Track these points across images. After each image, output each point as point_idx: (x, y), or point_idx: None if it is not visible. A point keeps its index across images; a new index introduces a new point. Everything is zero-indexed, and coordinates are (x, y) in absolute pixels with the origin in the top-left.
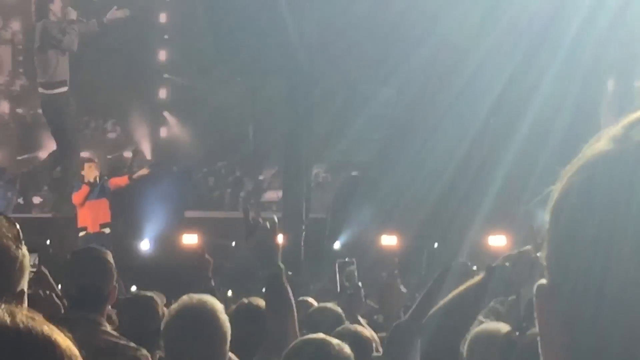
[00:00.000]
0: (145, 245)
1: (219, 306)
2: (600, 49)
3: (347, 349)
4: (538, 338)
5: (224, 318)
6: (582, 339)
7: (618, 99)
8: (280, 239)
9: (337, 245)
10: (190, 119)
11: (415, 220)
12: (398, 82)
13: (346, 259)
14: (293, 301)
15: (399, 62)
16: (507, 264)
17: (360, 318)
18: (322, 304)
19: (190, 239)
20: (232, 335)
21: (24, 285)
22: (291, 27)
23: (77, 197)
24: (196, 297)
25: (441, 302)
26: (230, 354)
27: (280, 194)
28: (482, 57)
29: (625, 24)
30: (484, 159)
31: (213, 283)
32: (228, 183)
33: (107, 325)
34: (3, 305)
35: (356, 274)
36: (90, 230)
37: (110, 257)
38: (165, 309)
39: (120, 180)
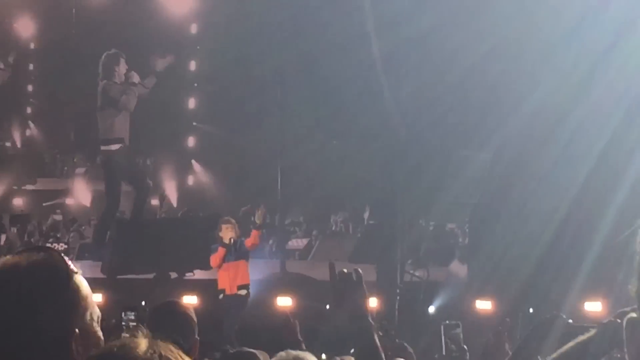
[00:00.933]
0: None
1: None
2: None
3: None
4: None
5: None
6: None
7: None
8: (372, 301)
9: (431, 309)
10: (217, 166)
11: (511, 284)
12: (494, 146)
13: (453, 322)
14: (383, 356)
15: (495, 126)
16: (619, 320)
17: None
18: None
19: (284, 302)
20: None
21: (77, 324)
22: (387, 92)
23: (214, 259)
24: (293, 353)
25: (552, 356)
26: None
27: (304, 242)
28: (580, 119)
29: None
30: (582, 223)
31: (304, 347)
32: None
33: None
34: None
35: (461, 336)
36: (228, 292)
37: (191, 311)
38: None
39: (254, 239)
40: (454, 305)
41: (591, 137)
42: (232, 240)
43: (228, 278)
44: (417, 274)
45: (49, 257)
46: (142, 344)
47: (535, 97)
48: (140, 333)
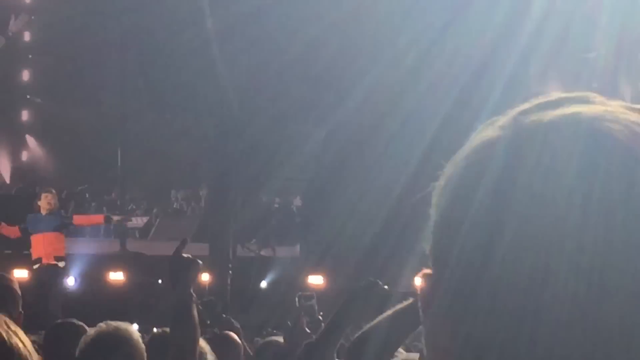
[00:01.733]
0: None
1: (135, 334)
2: None
3: None
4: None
5: (140, 346)
6: (464, 329)
7: None
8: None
9: (263, 284)
10: (54, 141)
11: (346, 261)
12: (330, 123)
13: (307, 293)
14: (199, 330)
15: (332, 103)
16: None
17: None
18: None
19: (116, 276)
20: None
21: None
22: (221, 67)
23: (12, 231)
24: (113, 323)
25: (367, 326)
26: None
27: (144, 220)
28: (416, 98)
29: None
30: (417, 203)
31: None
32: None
33: None
34: None
35: (316, 307)
36: (45, 261)
37: (15, 284)
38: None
39: (93, 220)
40: (287, 280)
41: (426, 117)
42: (49, 210)
43: (44, 247)
44: (262, 252)
45: None
46: None
47: (372, 76)
48: None
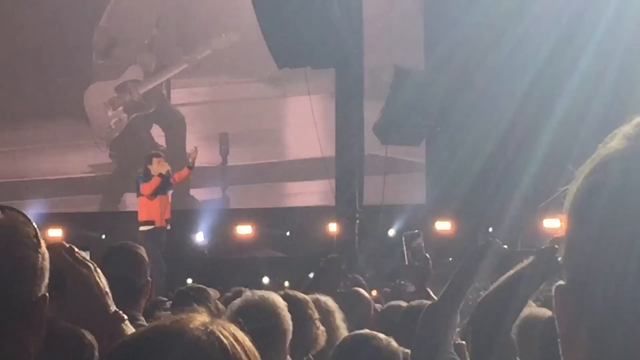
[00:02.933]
0: (200, 238)
1: (280, 302)
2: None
3: (394, 343)
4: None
5: (286, 315)
6: (600, 342)
7: None
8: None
9: (391, 232)
10: None
11: (468, 204)
12: (443, 64)
13: (415, 231)
14: None
15: (444, 45)
16: (556, 246)
17: (429, 290)
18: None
19: (244, 230)
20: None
21: (45, 289)
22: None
23: (147, 188)
24: (258, 293)
25: (492, 287)
26: None
27: None
28: (521, 32)
29: None
30: (524, 138)
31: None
32: None
33: (143, 319)
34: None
35: (423, 245)
36: (158, 224)
37: (143, 252)
38: (219, 302)
39: (184, 173)
40: (414, 227)
41: (531, 49)
42: (168, 172)
43: (159, 210)
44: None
45: (13, 217)
46: (197, 319)
47: (476, 9)
48: (200, 310)
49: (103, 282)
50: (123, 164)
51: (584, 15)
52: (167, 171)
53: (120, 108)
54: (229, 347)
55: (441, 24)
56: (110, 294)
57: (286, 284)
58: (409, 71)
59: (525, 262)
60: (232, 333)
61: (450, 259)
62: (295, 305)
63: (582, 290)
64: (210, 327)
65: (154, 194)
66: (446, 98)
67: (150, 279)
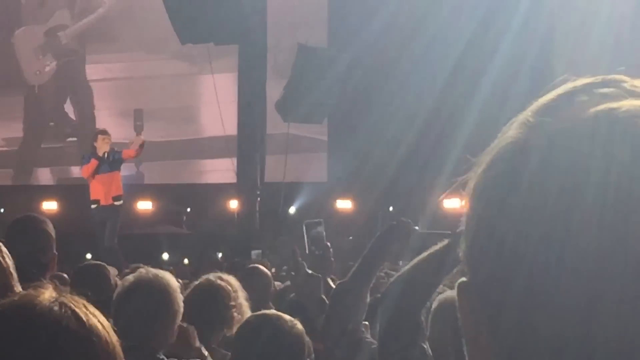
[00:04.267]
0: None
1: (173, 283)
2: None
3: (299, 325)
4: None
5: (177, 296)
6: (503, 339)
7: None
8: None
9: (292, 209)
10: None
11: (371, 184)
12: (355, 46)
13: (317, 220)
14: None
15: (354, 26)
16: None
17: (329, 280)
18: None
19: (143, 206)
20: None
21: None
22: None
23: (86, 170)
24: (153, 271)
25: (404, 269)
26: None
27: None
28: (439, 21)
29: None
30: (445, 124)
31: None
32: None
33: None
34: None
35: (324, 234)
36: (103, 202)
37: (49, 225)
38: (118, 279)
39: (132, 153)
40: (315, 204)
41: (449, 40)
42: (105, 153)
43: (103, 189)
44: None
45: None
46: (46, 294)
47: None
48: (44, 284)
49: (7, 261)
50: (32, 137)
51: (503, 2)
52: (105, 153)
53: (49, 54)
54: (82, 316)
55: (345, 2)
56: (14, 275)
57: (185, 261)
58: (312, 49)
59: (440, 244)
60: (83, 304)
61: (350, 237)
62: (209, 286)
63: (481, 287)
64: (61, 299)
65: (93, 175)
66: (348, 77)
67: (56, 253)
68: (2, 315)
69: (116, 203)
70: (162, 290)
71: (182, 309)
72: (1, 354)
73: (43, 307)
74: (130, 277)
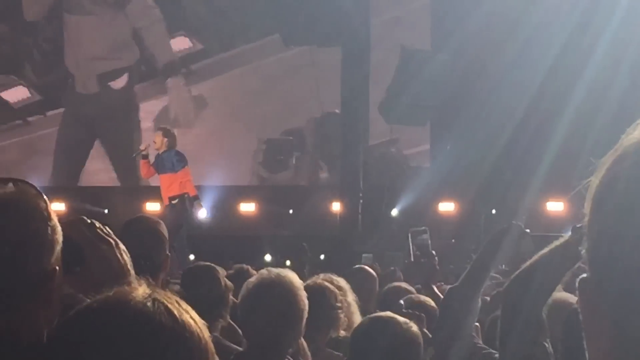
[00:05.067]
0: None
1: (297, 281)
2: None
3: (414, 328)
4: None
5: (302, 294)
6: (627, 334)
7: None
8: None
9: (394, 212)
10: None
11: (472, 186)
12: (453, 48)
13: (422, 227)
14: None
15: (454, 28)
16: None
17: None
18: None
19: (248, 207)
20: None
21: (55, 261)
22: None
23: (141, 170)
24: (275, 271)
25: (524, 265)
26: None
27: None
28: (538, 20)
29: None
30: (541, 124)
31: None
32: None
33: None
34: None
35: (429, 242)
36: (166, 202)
37: (162, 227)
38: (226, 280)
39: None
40: (417, 207)
41: (548, 38)
42: (158, 153)
43: (161, 190)
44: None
45: (24, 190)
46: (139, 290)
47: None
48: (137, 280)
49: (125, 258)
50: None
51: (600, 3)
52: (144, 149)
53: None
54: (175, 312)
55: (449, 5)
56: (132, 272)
57: (287, 262)
58: (416, 52)
59: (556, 243)
60: (176, 300)
61: (453, 240)
62: (316, 288)
63: (606, 283)
64: (154, 295)
65: (148, 175)
66: (452, 80)
67: (169, 254)
68: (97, 311)
69: (173, 202)
70: (287, 290)
71: (307, 307)
72: (95, 350)
73: (137, 303)
74: (254, 279)
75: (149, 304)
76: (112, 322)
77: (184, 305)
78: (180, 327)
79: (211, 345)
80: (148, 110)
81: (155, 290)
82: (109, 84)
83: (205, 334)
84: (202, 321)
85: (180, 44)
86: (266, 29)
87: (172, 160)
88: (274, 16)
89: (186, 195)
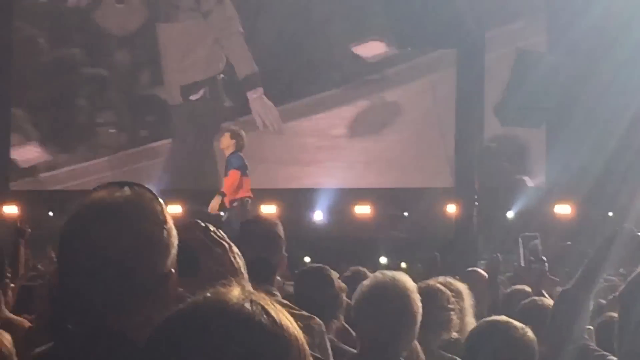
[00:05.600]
0: (318, 217)
1: (410, 284)
2: None
3: (530, 333)
4: None
5: (416, 297)
6: None
7: None
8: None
9: (510, 214)
10: None
11: (588, 189)
12: (566, 49)
13: (533, 233)
14: None
15: (567, 29)
16: None
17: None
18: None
19: (362, 210)
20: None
21: (171, 265)
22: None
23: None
24: (389, 274)
25: (636, 272)
26: None
27: None
28: None
29: None
30: None
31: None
32: None
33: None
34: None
35: (540, 247)
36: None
37: (279, 227)
38: (340, 281)
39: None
40: (532, 210)
41: None
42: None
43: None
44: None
45: (140, 194)
46: (235, 291)
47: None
48: (233, 280)
49: (239, 261)
50: None
51: None
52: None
53: None
54: (273, 313)
55: (566, 7)
56: (245, 274)
57: (403, 265)
58: (531, 54)
59: None
60: (272, 301)
61: (569, 242)
62: (428, 290)
63: None
64: (251, 296)
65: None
66: (568, 82)
67: (286, 254)
68: (195, 312)
69: (234, 204)
70: (400, 292)
71: (420, 310)
72: (193, 351)
73: (235, 303)
74: (368, 282)
75: (246, 304)
76: (211, 322)
77: (280, 306)
78: (279, 328)
79: (307, 348)
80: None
81: (252, 292)
82: (190, 96)
83: (302, 336)
84: (298, 324)
85: (374, 48)
86: (379, 29)
87: (231, 162)
88: (388, 18)
89: (246, 200)
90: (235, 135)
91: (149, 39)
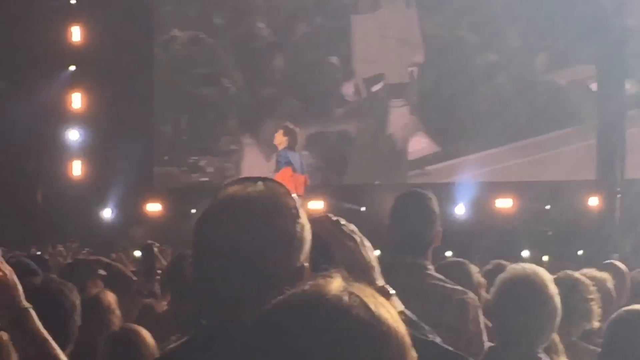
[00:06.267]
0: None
1: (548, 277)
2: None
3: None
4: None
5: (554, 289)
6: None
7: None
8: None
9: None
10: None
11: None
12: None
13: None
14: None
15: None
16: None
17: None
18: None
19: (504, 203)
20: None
21: (304, 259)
22: None
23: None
24: (526, 266)
25: None
26: None
27: None
28: None
29: None
30: None
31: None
32: None
33: (433, 268)
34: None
35: None
36: None
37: (434, 202)
38: (479, 276)
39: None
40: None
41: None
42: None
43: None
44: None
45: (273, 188)
46: (335, 283)
47: None
48: (334, 273)
49: (370, 255)
50: None
51: None
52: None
53: None
54: (371, 306)
55: None
56: (377, 267)
57: (544, 258)
58: None
59: None
60: (371, 294)
61: None
62: (566, 280)
63: None
64: (350, 288)
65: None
66: None
67: (441, 229)
68: (294, 305)
69: None
70: (539, 285)
71: (559, 302)
72: (293, 343)
73: (333, 296)
74: (505, 275)
75: (345, 297)
76: (309, 315)
77: (380, 298)
78: (377, 321)
79: (408, 340)
80: None
81: (351, 284)
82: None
83: (402, 328)
84: (397, 315)
85: None
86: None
87: (281, 159)
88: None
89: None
90: (288, 132)
91: None
